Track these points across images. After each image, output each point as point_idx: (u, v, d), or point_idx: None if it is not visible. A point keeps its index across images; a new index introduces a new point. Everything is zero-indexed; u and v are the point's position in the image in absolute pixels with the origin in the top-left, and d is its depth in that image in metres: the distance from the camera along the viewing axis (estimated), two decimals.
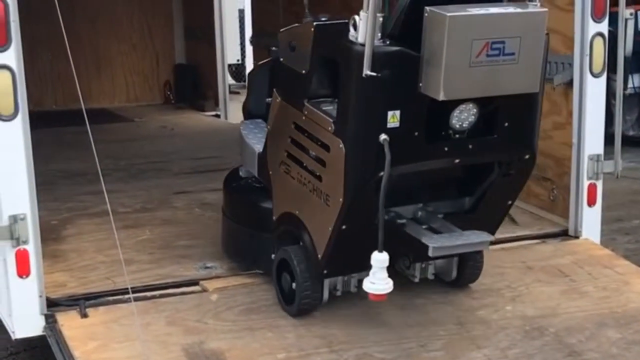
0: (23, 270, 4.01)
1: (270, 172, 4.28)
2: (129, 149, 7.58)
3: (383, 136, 3.58)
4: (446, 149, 3.78)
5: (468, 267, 4.38)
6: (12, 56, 3.83)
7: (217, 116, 9.65)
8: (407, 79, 3.58)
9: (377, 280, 3.67)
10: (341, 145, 3.67)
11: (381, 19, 3.55)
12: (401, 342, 3.97)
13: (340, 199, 3.72)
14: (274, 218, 4.26)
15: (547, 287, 4.53)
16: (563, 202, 5.19)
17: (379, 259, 3.64)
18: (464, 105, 3.71)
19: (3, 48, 3.81)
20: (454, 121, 3.74)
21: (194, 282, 4.51)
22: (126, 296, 4.11)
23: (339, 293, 4.22)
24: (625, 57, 5.70)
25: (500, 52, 3.54)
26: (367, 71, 3.49)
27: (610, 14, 4.87)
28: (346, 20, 3.64)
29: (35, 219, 4.00)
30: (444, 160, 3.84)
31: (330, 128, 3.73)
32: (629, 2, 7.14)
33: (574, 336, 4.06)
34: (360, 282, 3.85)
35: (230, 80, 9.88)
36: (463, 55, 3.49)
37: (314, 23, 3.86)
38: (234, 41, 10.77)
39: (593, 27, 4.81)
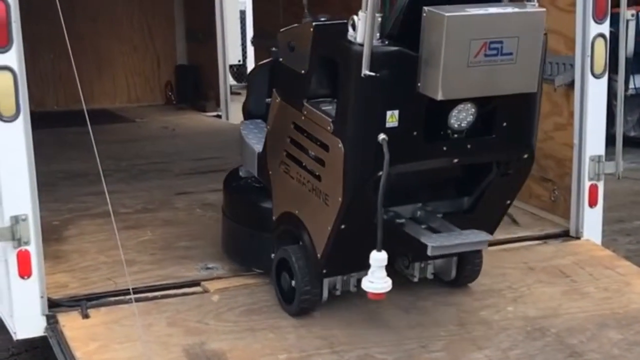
0: (24, 271, 4.01)
1: (270, 172, 4.29)
2: (130, 150, 7.58)
3: (382, 136, 3.58)
4: (445, 148, 3.79)
5: (467, 266, 4.39)
6: (13, 57, 3.83)
7: (219, 117, 9.66)
8: (406, 78, 3.59)
9: (376, 279, 3.67)
10: (340, 145, 3.68)
11: (380, 19, 3.56)
12: (402, 343, 3.97)
13: (340, 199, 3.73)
14: (274, 218, 4.26)
15: (548, 288, 4.53)
16: (564, 203, 5.19)
17: (378, 258, 3.65)
18: (462, 105, 3.72)
19: (4, 49, 3.81)
20: (452, 121, 3.75)
21: (195, 283, 4.51)
22: (127, 297, 4.10)
23: (338, 292, 4.23)
24: (626, 58, 5.69)
25: (498, 52, 3.55)
26: (365, 71, 3.49)
27: (612, 14, 4.87)
28: (345, 21, 3.64)
29: (36, 220, 4.00)
30: (442, 160, 3.85)
31: (329, 128, 3.74)
32: (631, 3, 7.14)
33: (576, 337, 4.06)
34: (359, 281, 3.86)
35: (231, 80, 9.89)
36: (461, 55, 3.50)
37: (313, 23, 3.87)
38: (235, 42, 10.78)
39: (594, 28, 4.81)
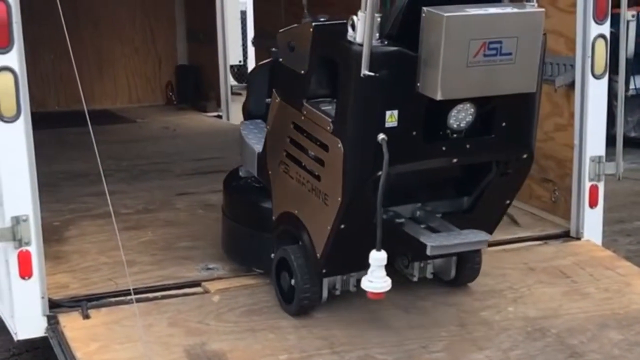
0: (25, 272, 4.01)
1: (270, 172, 4.29)
2: (131, 150, 7.59)
3: (381, 136, 3.59)
4: (444, 148, 3.80)
5: (467, 266, 4.39)
6: (14, 58, 3.83)
7: (219, 117, 9.66)
8: (405, 78, 3.59)
9: (375, 278, 3.68)
10: (340, 145, 3.68)
11: (379, 19, 3.57)
12: (403, 344, 3.97)
13: (339, 199, 3.73)
14: (274, 218, 4.27)
15: (548, 289, 4.53)
16: (565, 204, 5.19)
17: (377, 258, 3.65)
18: (461, 105, 3.72)
19: (5, 50, 3.82)
20: (451, 121, 3.75)
21: (196, 284, 4.52)
22: (128, 297, 4.11)
23: (338, 292, 4.23)
24: (627, 59, 5.71)
25: (497, 52, 3.56)
26: (365, 71, 3.50)
27: (612, 15, 4.87)
28: (344, 21, 3.65)
29: (37, 220, 4.01)
30: (441, 160, 3.85)
31: (328, 128, 3.75)
32: (631, 4, 7.15)
33: (576, 337, 4.06)
34: (359, 281, 3.86)
35: (232, 81, 9.88)
36: (460, 55, 3.50)
37: (313, 23, 3.87)
38: (235, 42, 10.76)
39: (595, 29, 4.81)
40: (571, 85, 5.04)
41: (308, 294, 4.08)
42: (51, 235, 4.97)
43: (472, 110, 3.76)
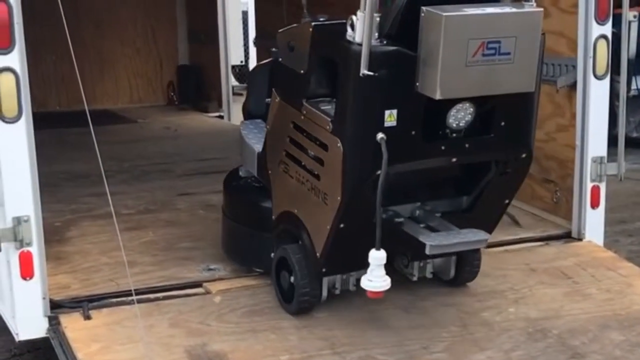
0: (27, 272, 4.01)
1: (270, 172, 4.30)
2: (132, 151, 7.59)
3: (380, 135, 3.59)
4: (443, 147, 3.80)
5: (466, 266, 4.39)
6: (15, 58, 3.83)
7: (221, 117, 9.67)
8: (404, 78, 3.60)
9: (375, 277, 3.68)
10: (339, 144, 3.68)
11: (378, 19, 3.57)
12: (404, 344, 3.97)
13: (338, 198, 3.74)
14: (274, 217, 4.27)
15: (550, 289, 4.53)
16: (566, 204, 5.19)
17: (377, 257, 3.65)
18: (460, 105, 3.73)
19: (7, 50, 3.82)
20: (450, 120, 3.76)
21: (197, 284, 4.51)
22: (129, 298, 4.11)
23: (337, 292, 4.24)
24: (628, 59, 5.71)
25: (496, 51, 3.56)
26: (364, 71, 3.50)
27: (614, 15, 4.87)
28: (344, 21, 3.65)
29: (38, 221, 4.01)
30: (441, 159, 3.86)
31: (328, 127, 3.75)
32: (633, 4, 7.15)
33: (577, 338, 4.06)
34: (358, 280, 3.86)
35: (233, 81, 9.89)
36: (459, 54, 3.51)
37: (312, 23, 3.88)
38: (237, 42, 10.78)
39: (597, 30, 4.80)
40: (573, 86, 5.04)
41: (308, 293, 4.08)
42: (52, 235, 4.97)
43: (471, 109, 3.76)
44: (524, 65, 3.66)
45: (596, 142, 4.94)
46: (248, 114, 4.80)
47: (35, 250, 4.01)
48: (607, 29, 4.84)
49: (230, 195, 4.70)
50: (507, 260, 4.83)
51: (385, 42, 3.61)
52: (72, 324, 4.08)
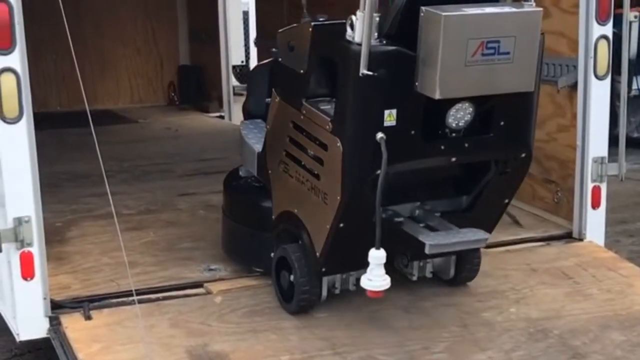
0: (27, 273, 4.01)
1: (270, 172, 4.30)
2: (133, 151, 7.59)
3: (380, 135, 3.59)
4: (443, 147, 3.80)
5: (466, 265, 4.40)
6: (16, 59, 3.83)
7: (221, 117, 9.67)
8: (404, 78, 3.60)
9: (375, 277, 3.68)
10: (339, 144, 3.69)
11: (378, 19, 3.57)
12: (404, 344, 3.97)
13: (338, 197, 3.74)
14: (273, 217, 4.27)
15: (551, 290, 4.53)
16: (567, 205, 5.19)
17: (376, 256, 3.65)
18: (460, 104, 3.73)
19: (7, 51, 3.82)
20: (450, 120, 3.76)
21: (198, 285, 4.51)
22: (130, 298, 4.11)
23: (337, 291, 4.24)
24: (629, 60, 5.71)
25: (495, 51, 3.57)
26: (363, 70, 3.50)
27: (615, 16, 4.87)
28: (343, 21, 3.66)
29: (39, 221, 4.01)
30: (440, 159, 3.86)
31: (328, 127, 3.75)
32: (634, 4, 7.14)
33: (578, 338, 4.06)
34: (358, 280, 3.86)
35: (234, 81, 9.91)
36: (459, 54, 3.51)
37: (312, 23, 3.88)
38: (238, 42, 10.80)
39: (597, 30, 4.80)
40: (574, 86, 5.04)
41: (307, 292, 4.08)
42: (53, 236, 4.96)
43: (471, 109, 3.77)
44: (524, 65, 3.66)
45: (597, 143, 4.94)
46: (248, 114, 4.80)
47: (36, 250, 4.01)
48: (608, 29, 4.83)
49: (230, 195, 4.70)
50: (508, 260, 4.83)
51: (384, 42, 3.61)
52: (73, 324, 4.07)
